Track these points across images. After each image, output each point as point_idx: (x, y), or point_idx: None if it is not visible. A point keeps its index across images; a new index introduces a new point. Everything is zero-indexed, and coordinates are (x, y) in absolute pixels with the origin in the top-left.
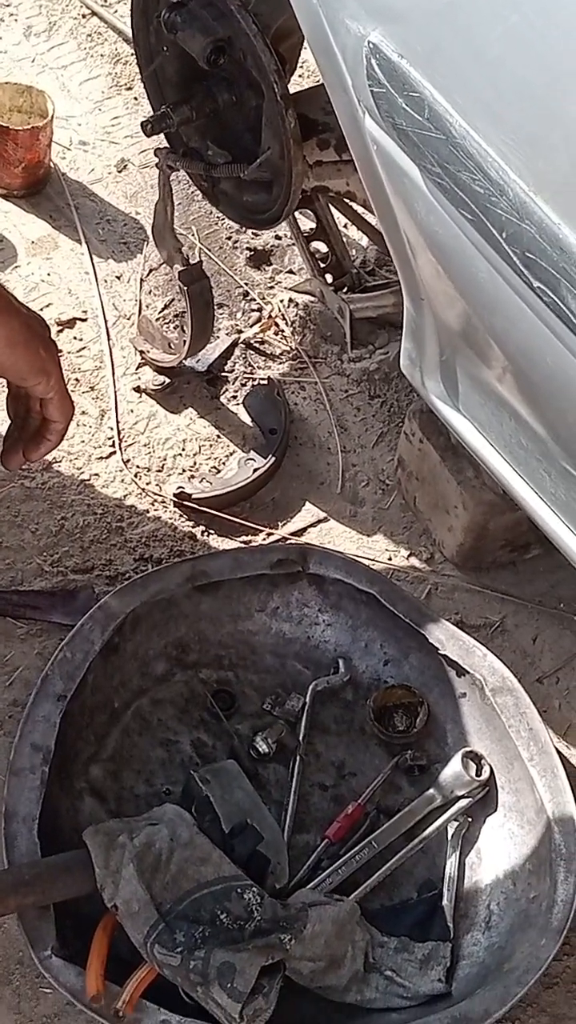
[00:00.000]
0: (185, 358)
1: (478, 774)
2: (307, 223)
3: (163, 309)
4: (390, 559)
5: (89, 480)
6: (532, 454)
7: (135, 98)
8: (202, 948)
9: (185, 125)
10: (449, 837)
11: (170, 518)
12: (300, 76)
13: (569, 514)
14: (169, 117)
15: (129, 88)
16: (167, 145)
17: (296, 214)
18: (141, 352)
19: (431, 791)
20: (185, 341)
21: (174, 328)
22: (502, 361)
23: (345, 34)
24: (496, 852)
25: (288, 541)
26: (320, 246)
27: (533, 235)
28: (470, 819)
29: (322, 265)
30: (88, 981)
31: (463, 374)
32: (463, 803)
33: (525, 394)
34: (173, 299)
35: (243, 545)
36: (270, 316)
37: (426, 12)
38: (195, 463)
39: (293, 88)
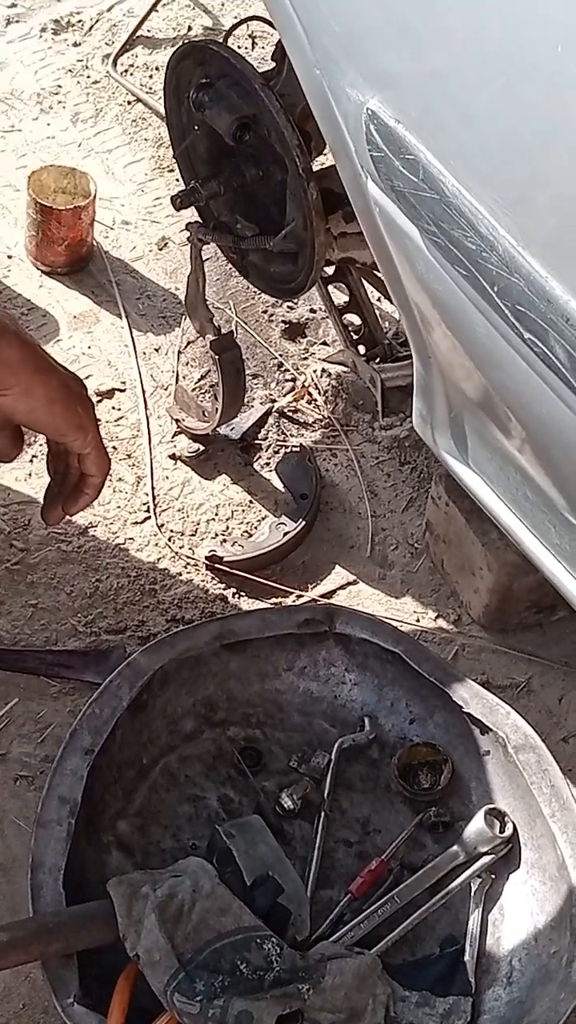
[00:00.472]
0: (218, 426)
1: (501, 831)
2: (341, 296)
3: (199, 380)
4: (418, 620)
5: (124, 544)
6: (537, 506)
7: (177, 179)
8: (221, 997)
9: (214, 199)
10: (472, 893)
11: (202, 581)
12: (326, 154)
13: (574, 564)
14: (198, 191)
15: (171, 170)
16: (198, 220)
17: (330, 288)
18: (177, 421)
19: (454, 848)
20: (217, 409)
21: (209, 398)
22: (504, 415)
23: (346, 102)
24: (518, 908)
25: (316, 603)
26: (353, 318)
27: (522, 288)
28: (493, 875)
29: (355, 337)
30: None
31: (471, 430)
32: (486, 860)
33: (525, 446)
34: (209, 370)
35: (270, 606)
36: (303, 385)
37: (419, 77)
38: (227, 527)
39: (320, 165)
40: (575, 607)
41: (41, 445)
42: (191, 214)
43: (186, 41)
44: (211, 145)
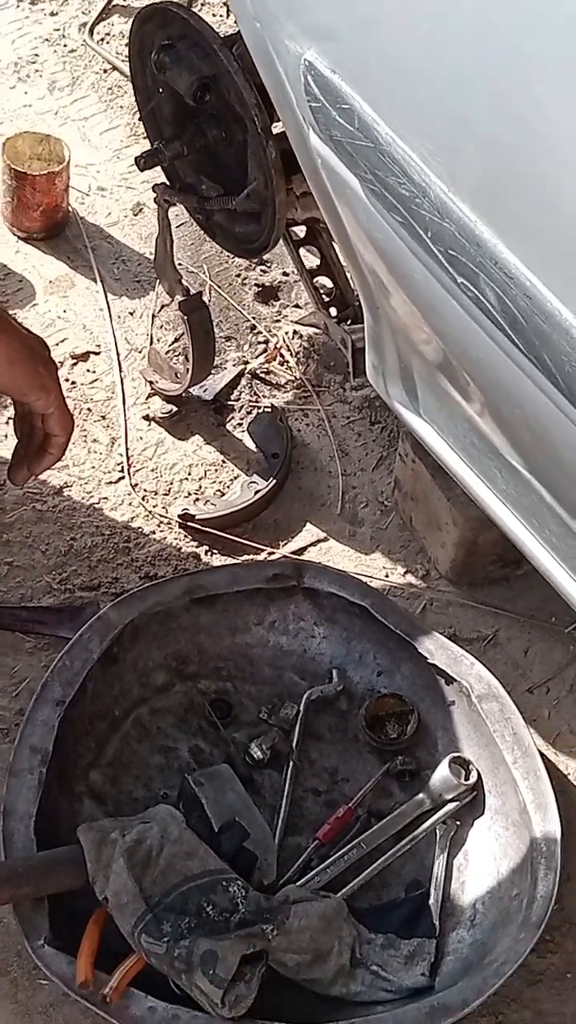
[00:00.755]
0: (190, 386)
1: (466, 779)
2: (312, 260)
3: (173, 342)
4: (387, 576)
5: (98, 503)
6: (484, 453)
7: None
8: (187, 938)
9: (178, 160)
10: (437, 839)
11: (175, 539)
12: None
13: (519, 509)
14: (161, 152)
15: (147, 137)
16: (165, 182)
17: (301, 251)
18: (150, 382)
19: (420, 795)
20: (188, 369)
21: (181, 360)
22: (447, 362)
23: (286, 54)
24: (482, 853)
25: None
26: (325, 281)
27: (454, 233)
28: (458, 822)
29: (326, 299)
30: (78, 969)
31: (419, 379)
32: (451, 807)
33: (469, 393)
34: (182, 333)
35: (240, 562)
36: (276, 347)
37: (352, 28)
38: (200, 487)
39: (281, 128)
40: (522, 551)
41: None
42: (161, 177)
43: (150, 3)
44: (175, 107)
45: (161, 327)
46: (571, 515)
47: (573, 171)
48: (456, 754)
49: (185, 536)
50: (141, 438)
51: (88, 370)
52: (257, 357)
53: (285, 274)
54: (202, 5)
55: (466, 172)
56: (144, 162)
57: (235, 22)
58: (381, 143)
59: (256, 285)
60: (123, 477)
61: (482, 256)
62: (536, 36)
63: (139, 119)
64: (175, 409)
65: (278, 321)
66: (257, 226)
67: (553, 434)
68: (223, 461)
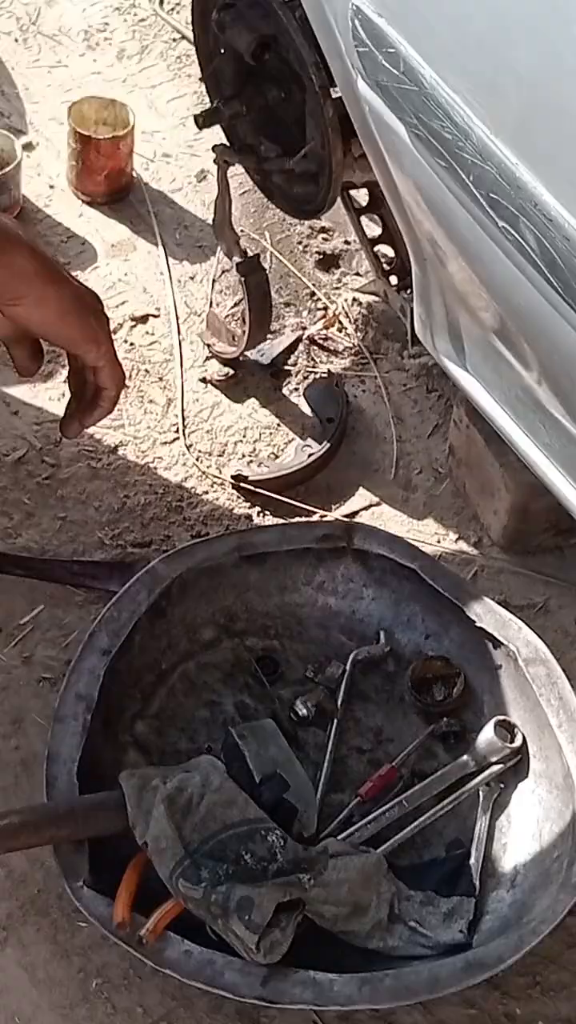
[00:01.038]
0: (246, 348)
1: (511, 741)
2: (374, 229)
3: (232, 307)
4: (439, 542)
5: (153, 463)
6: (528, 406)
7: None
8: (224, 884)
9: (236, 119)
10: (480, 800)
11: (228, 500)
12: None
13: (564, 463)
14: (220, 111)
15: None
16: (225, 142)
17: (363, 219)
18: (208, 345)
19: (465, 757)
20: (245, 332)
21: (239, 323)
22: (490, 309)
23: (336, 1)
24: (525, 816)
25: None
26: (386, 250)
27: (495, 176)
28: (502, 784)
29: (387, 267)
30: (116, 910)
31: (466, 332)
32: (495, 769)
33: (510, 340)
34: (242, 298)
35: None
36: (334, 314)
37: None
38: (255, 449)
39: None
40: (565, 505)
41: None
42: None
43: None
44: (236, 67)
45: (221, 292)
46: None
47: None
48: (501, 717)
49: (238, 497)
50: (197, 400)
51: (147, 332)
52: (316, 323)
53: (347, 242)
54: None
55: (507, 113)
56: (203, 120)
57: None
58: (425, 86)
59: (317, 252)
60: (178, 438)
61: (522, 199)
62: None
63: (201, 80)
64: (232, 372)
65: (338, 288)
66: (315, 187)
67: None
68: (278, 425)
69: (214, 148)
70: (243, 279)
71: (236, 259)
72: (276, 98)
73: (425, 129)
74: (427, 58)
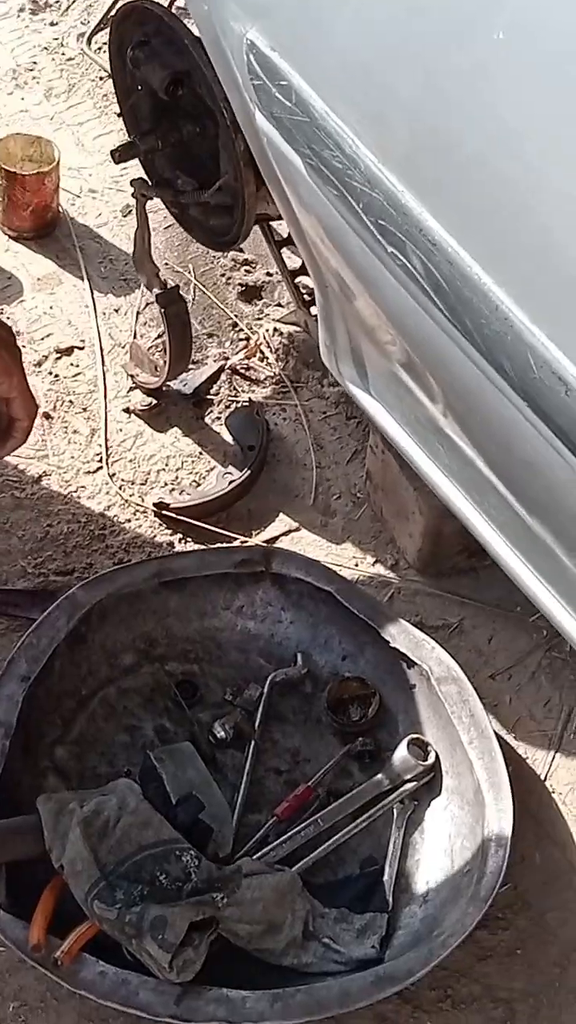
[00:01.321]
0: (168, 378)
1: (424, 759)
2: (296, 261)
3: (156, 338)
4: (356, 565)
5: (76, 492)
6: (428, 429)
7: None
8: (139, 904)
9: (153, 153)
10: (394, 818)
11: (150, 527)
12: None
13: (462, 483)
14: (135, 145)
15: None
16: (144, 177)
17: (284, 252)
18: (131, 376)
19: (380, 776)
20: (166, 362)
21: (163, 355)
22: (388, 335)
23: (231, 35)
24: (437, 832)
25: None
26: (307, 281)
27: (382, 203)
28: (415, 802)
29: (307, 298)
30: (31, 932)
31: (368, 357)
32: (409, 786)
33: (407, 364)
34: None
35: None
36: (256, 344)
37: (287, 5)
38: (177, 477)
39: None
40: (467, 526)
41: None
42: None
43: (129, 1)
44: (152, 103)
45: (145, 324)
46: (505, 484)
47: (490, 139)
48: (415, 735)
49: (160, 524)
50: (121, 430)
51: (72, 364)
52: (238, 353)
53: (269, 274)
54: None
55: (393, 142)
56: (120, 155)
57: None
58: (316, 117)
59: (240, 285)
60: (101, 467)
61: (408, 224)
62: (456, 11)
63: (119, 116)
64: (155, 402)
65: (260, 319)
66: (230, 219)
67: (479, 400)
68: (200, 453)
69: (132, 183)
70: (163, 310)
71: (156, 290)
72: (191, 132)
73: (318, 159)
74: (317, 89)
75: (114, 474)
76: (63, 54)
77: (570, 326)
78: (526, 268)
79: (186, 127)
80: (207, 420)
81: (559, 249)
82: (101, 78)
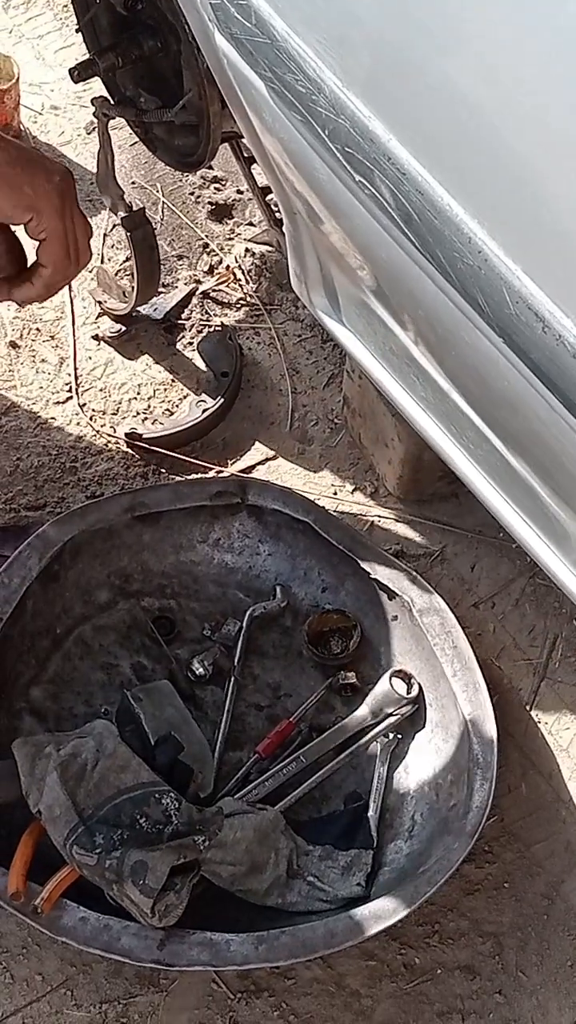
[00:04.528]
0: (136, 304)
1: (407, 692)
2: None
3: (124, 262)
4: (335, 494)
5: (46, 424)
6: (402, 360)
7: None
8: (119, 849)
9: (113, 71)
10: (378, 752)
11: (123, 459)
12: None
13: (439, 416)
14: (95, 63)
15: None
16: (106, 95)
17: (253, 169)
18: (99, 302)
19: (363, 709)
20: (134, 287)
21: (131, 280)
22: (358, 264)
23: None
24: (422, 765)
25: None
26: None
27: (348, 129)
28: (399, 735)
29: (279, 216)
30: (10, 880)
31: (339, 286)
32: (392, 720)
33: (380, 295)
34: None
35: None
36: (227, 267)
37: None
38: (149, 406)
39: None
40: (442, 457)
41: None
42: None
43: None
44: (112, 18)
45: (112, 247)
46: (482, 418)
47: (457, 60)
48: (398, 668)
49: (133, 456)
50: (90, 358)
51: None
52: (209, 276)
53: (239, 192)
54: None
55: (357, 65)
56: (78, 73)
57: None
58: (278, 39)
59: (209, 203)
60: (71, 397)
61: (376, 152)
62: None
63: (78, 31)
64: (124, 328)
65: (231, 239)
66: (195, 138)
67: (453, 333)
68: (172, 380)
69: (93, 101)
70: (128, 234)
71: (121, 214)
72: (152, 48)
73: (280, 83)
74: (278, 10)
75: (84, 404)
76: None
77: (547, 259)
78: (500, 197)
79: (147, 43)
80: (179, 346)
81: (534, 177)
82: None
